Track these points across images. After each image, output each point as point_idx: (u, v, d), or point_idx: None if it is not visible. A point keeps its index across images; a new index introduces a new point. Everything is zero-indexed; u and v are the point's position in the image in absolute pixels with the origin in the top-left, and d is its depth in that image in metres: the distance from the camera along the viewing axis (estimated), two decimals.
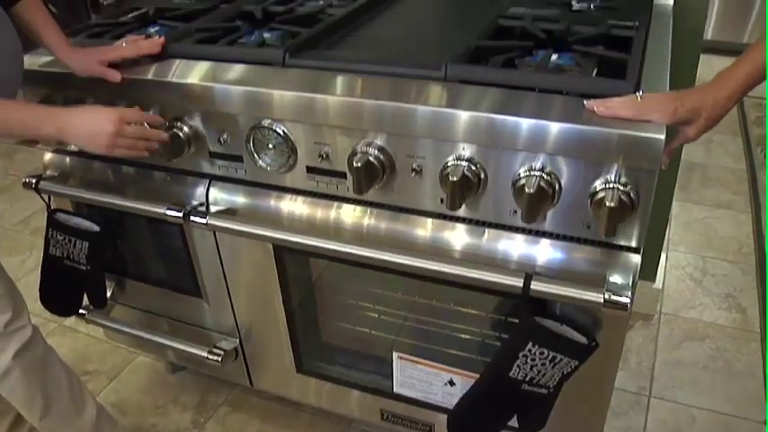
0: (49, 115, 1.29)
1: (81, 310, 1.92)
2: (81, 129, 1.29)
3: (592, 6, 1.63)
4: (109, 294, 1.90)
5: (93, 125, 1.29)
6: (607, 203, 1.12)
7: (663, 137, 1.07)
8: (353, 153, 1.27)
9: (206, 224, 1.46)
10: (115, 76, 1.46)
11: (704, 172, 3.30)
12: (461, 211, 1.28)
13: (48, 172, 1.76)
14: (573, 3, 1.65)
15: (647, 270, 2.28)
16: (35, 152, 1.66)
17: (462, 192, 1.20)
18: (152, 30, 1.70)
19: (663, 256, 2.37)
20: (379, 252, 1.31)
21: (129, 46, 1.51)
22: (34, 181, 1.71)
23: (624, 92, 1.16)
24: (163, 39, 1.50)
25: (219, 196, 1.51)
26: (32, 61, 1.56)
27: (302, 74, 1.35)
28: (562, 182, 1.18)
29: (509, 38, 1.48)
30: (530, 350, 1.25)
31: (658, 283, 2.35)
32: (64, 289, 1.83)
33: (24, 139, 1.29)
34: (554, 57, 1.35)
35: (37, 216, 3.19)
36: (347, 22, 1.61)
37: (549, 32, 1.43)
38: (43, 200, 1.76)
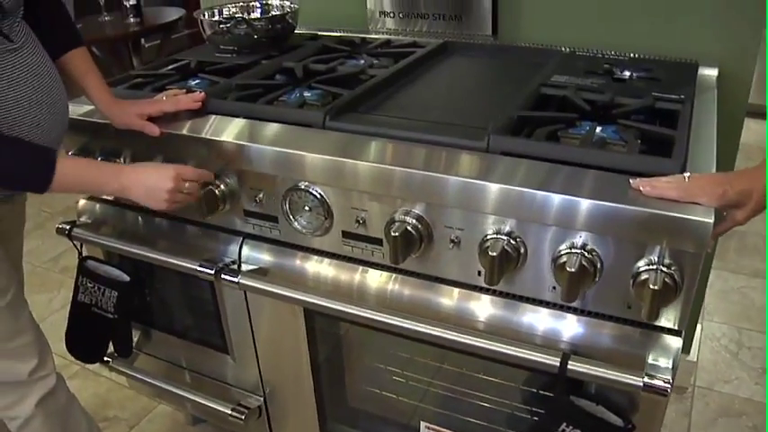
0: (113, 174, 1.31)
1: (105, 358, 1.91)
2: (141, 186, 1.31)
3: (634, 76, 1.61)
4: (134, 343, 1.89)
5: (152, 182, 1.31)
6: (651, 286, 1.08)
7: (711, 221, 1.04)
8: (391, 221, 1.25)
9: (238, 283, 1.44)
10: (153, 130, 1.46)
11: (742, 240, 3.24)
12: (499, 285, 1.25)
13: (81, 219, 1.76)
14: (615, 71, 1.63)
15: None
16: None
17: (501, 266, 1.18)
18: (192, 83, 1.71)
19: (698, 326, 2.32)
20: (415, 324, 1.28)
21: (169, 100, 1.51)
22: (68, 228, 1.72)
23: (671, 171, 1.13)
24: (203, 95, 1.50)
25: (252, 254, 1.50)
26: (73, 110, 1.57)
27: (342, 137, 1.34)
28: (604, 261, 1.14)
29: (552, 107, 1.46)
30: (563, 430, 1.21)
31: (693, 355, 2.29)
32: (90, 336, 1.82)
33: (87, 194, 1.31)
34: (598, 129, 1.33)
35: (67, 255, 3.20)
36: (388, 85, 1.60)
37: (592, 103, 1.41)
38: (76, 247, 1.76)
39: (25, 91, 1.27)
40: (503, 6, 1.97)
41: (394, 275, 1.37)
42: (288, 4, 2.02)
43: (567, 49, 1.82)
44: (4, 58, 1.27)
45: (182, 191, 1.32)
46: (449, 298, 1.32)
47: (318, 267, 1.44)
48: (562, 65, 1.67)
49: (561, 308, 1.25)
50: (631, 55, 1.75)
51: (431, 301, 1.33)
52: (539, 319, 1.25)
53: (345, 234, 1.35)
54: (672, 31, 1.76)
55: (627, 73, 1.62)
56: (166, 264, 1.56)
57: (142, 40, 4.20)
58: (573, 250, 1.14)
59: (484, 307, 1.30)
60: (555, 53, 1.80)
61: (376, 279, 1.38)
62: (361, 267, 1.40)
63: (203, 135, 1.43)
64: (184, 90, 1.59)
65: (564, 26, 1.91)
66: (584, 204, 1.10)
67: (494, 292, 1.29)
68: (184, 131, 1.45)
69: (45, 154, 1.25)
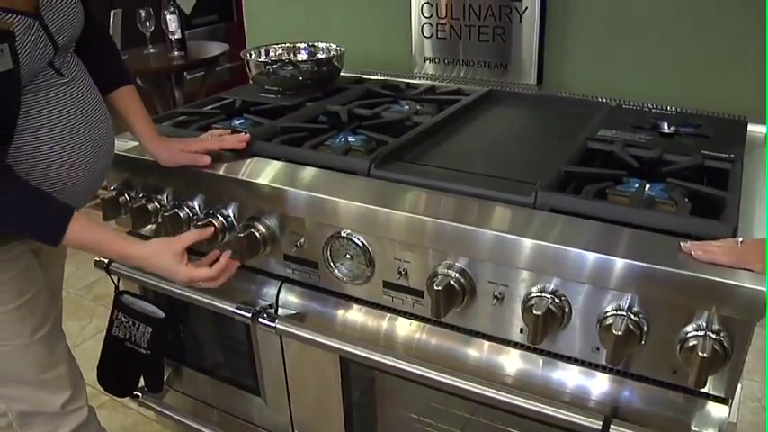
0: (119, 253, 1.33)
1: (136, 392, 1.90)
2: (152, 268, 1.34)
3: (682, 131, 1.59)
4: (165, 379, 1.88)
5: (165, 273, 1.33)
6: (699, 353, 1.05)
7: (764, 289, 1.01)
8: (434, 274, 1.24)
9: (274, 328, 1.43)
10: (205, 159, 1.48)
11: None
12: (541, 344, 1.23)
13: None
14: (663, 126, 1.61)
15: None
16: None
17: (545, 326, 1.15)
18: (237, 122, 1.72)
19: (738, 386, 2.26)
20: (456, 380, 1.25)
21: (213, 139, 1.52)
22: (106, 262, 1.72)
23: (722, 235, 1.10)
24: (248, 136, 1.51)
25: (289, 299, 1.49)
26: (118, 145, 1.57)
27: (386, 187, 1.34)
28: (651, 324, 1.12)
29: (598, 161, 1.44)
30: None
31: (732, 416, 2.23)
32: (122, 370, 1.82)
33: None
34: (647, 187, 1.31)
35: (101, 283, 3.22)
36: (432, 133, 1.60)
37: (639, 159, 1.39)
38: (113, 281, 1.76)
39: (74, 123, 1.29)
40: (548, 55, 1.97)
41: (434, 328, 1.35)
42: (334, 47, 2.03)
43: (614, 102, 1.80)
44: (56, 91, 1.29)
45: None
46: (489, 353, 1.30)
47: (356, 315, 1.42)
48: (608, 118, 1.65)
49: (604, 369, 1.22)
50: (678, 109, 1.73)
51: (471, 356, 1.31)
52: (581, 379, 1.23)
53: (386, 284, 1.34)
54: (720, 86, 1.75)
55: (674, 128, 1.60)
56: (203, 304, 1.56)
57: (185, 73, 4.25)
58: (619, 312, 1.12)
59: (524, 364, 1.27)
60: (601, 105, 1.78)
61: (415, 330, 1.37)
62: (400, 318, 1.38)
63: (245, 177, 1.43)
64: (229, 130, 1.60)
65: (609, 76, 1.90)
66: (633, 266, 1.07)
67: (535, 350, 1.27)
68: (227, 172, 1.46)
69: (61, 214, 1.26)
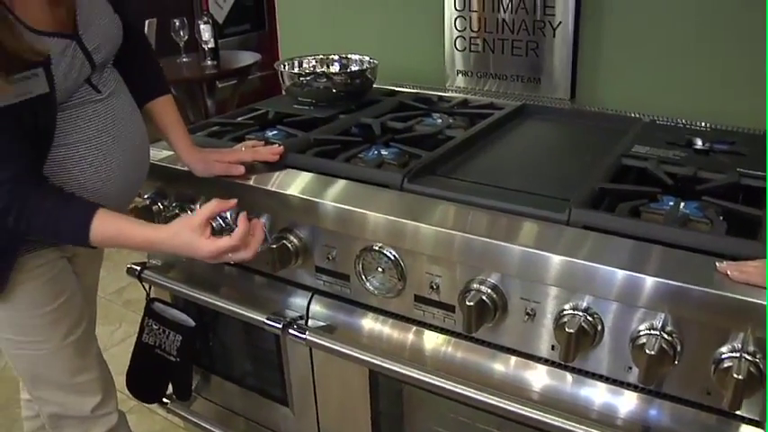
0: (148, 243, 1.30)
1: (164, 399, 1.91)
2: (175, 249, 1.29)
3: (717, 148, 1.57)
4: (193, 387, 1.89)
5: (188, 251, 1.27)
6: (734, 374, 1.04)
7: None
8: (466, 290, 1.23)
9: (305, 340, 1.43)
10: (239, 169, 1.49)
11: None
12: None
13: (151, 261, 1.78)
14: (697, 143, 1.60)
15: None
16: None
17: (577, 344, 1.14)
18: (270, 134, 1.73)
19: None
20: (485, 395, 1.24)
21: (248, 151, 1.53)
22: (138, 269, 1.74)
23: (758, 255, 1.09)
24: (282, 148, 1.52)
25: (320, 311, 1.50)
26: (152, 154, 1.59)
27: (419, 201, 1.34)
28: (685, 344, 1.11)
29: (632, 178, 1.43)
30: None
31: None
32: (151, 377, 1.83)
33: None
34: (681, 205, 1.30)
35: (131, 288, 3.25)
36: (465, 147, 1.60)
37: (673, 176, 1.38)
38: (144, 289, 1.78)
39: (109, 138, 1.31)
40: (581, 70, 1.96)
41: (463, 342, 1.35)
42: (367, 59, 2.04)
43: (647, 117, 1.79)
44: (92, 107, 1.32)
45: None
46: (517, 368, 1.29)
47: (387, 328, 1.42)
48: (642, 134, 1.64)
49: (635, 388, 1.21)
50: (713, 125, 1.72)
51: (498, 371, 1.31)
52: (609, 398, 1.22)
53: (418, 298, 1.34)
54: (755, 102, 1.73)
55: (709, 145, 1.59)
56: (233, 314, 1.57)
57: (216, 82, 4.29)
58: (652, 332, 1.11)
59: (552, 380, 1.26)
60: (634, 121, 1.77)
61: (444, 344, 1.36)
62: (430, 332, 1.38)
63: (278, 189, 1.44)
64: (263, 141, 1.61)
65: (643, 91, 1.89)
66: (665, 285, 1.06)
67: (564, 367, 1.26)
68: (260, 184, 1.47)
69: (84, 212, 1.26)
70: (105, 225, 1.26)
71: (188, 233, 1.25)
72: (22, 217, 1.23)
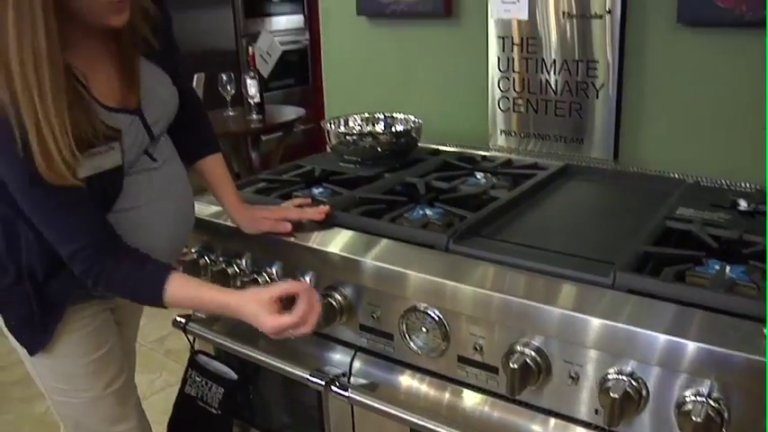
0: (219, 306, 1.35)
1: None
2: (245, 317, 1.33)
3: (762, 210, 1.57)
4: None
5: (253, 322, 1.32)
6: None
7: None
8: (510, 352, 1.24)
9: (347, 398, 1.44)
10: (286, 227, 1.52)
11: None
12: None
13: (196, 314, 1.80)
14: (742, 204, 1.60)
15: None
16: None
17: (622, 409, 1.14)
18: (316, 191, 1.76)
19: None
20: None
21: (294, 209, 1.56)
22: (183, 322, 1.76)
23: None
24: (327, 207, 1.54)
25: (363, 368, 1.50)
26: (199, 209, 1.63)
27: (464, 262, 1.35)
28: (732, 411, 1.09)
29: (677, 241, 1.43)
30: None
31: None
32: (192, 428, 1.85)
33: None
34: (727, 269, 1.29)
35: (172, 337, 3.28)
36: (510, 208, 1.61)
37: (718, 239, 1.38)
38: (188, 341, 1.80)
39: (161, 202, 1.36)
40: (624, 131, 1.97)
41: (505, 403, 1.34)
42: (412, 118, 2.07)
43: (691, 179, 1.79)
44: (147, 175, 1.37)
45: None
46: (556, 430, 1.28)
47: (429, 388, 1.42)
48: (686, 196, 1.64)
49: None
50: (758, 186, 1.71)
51: None
52: None
53: (461, 359, 1.34)
54: None
55: (754, 206, 1.58)
56: (276, 368, 1.58)
57: (261, 135, 4.37)
58: (699, 398, 1.10)
59: None
60: (678, 182, 1.77)
61: (486, 405, 1.36)
62: (472, 392, 1.38)
63: (323, 247, 1.47)
64: (309, 199, 1.64)
65: (686, 152, 1.89)
66: (711, 351, 1.06)
67: (603, 430, 1.24)
68: (306, 241, 1.50)
69: (159, 275, 1.31)
70: (180, 287, 1.31)
71: (255, 306, 1.29)
72: (100, 280, 1.30)
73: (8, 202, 1.29)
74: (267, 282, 1.58)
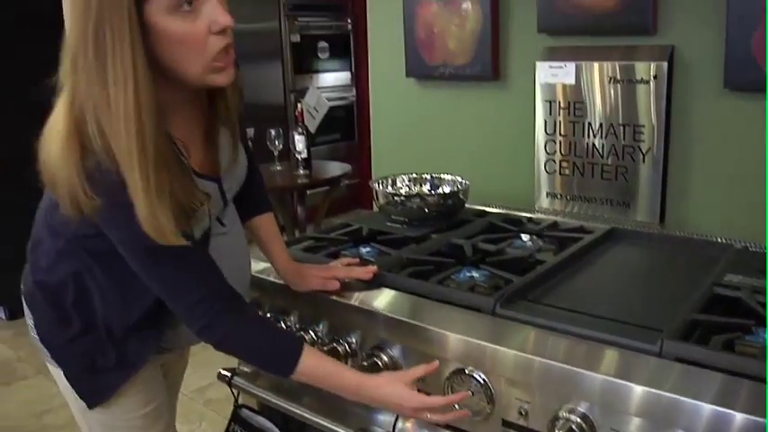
0: (354, 388, 1.35)
1: None
2: (383, 404, 1.37)
3: None
4: None
5: (393, 404, 1.33)
6: None
7: None
8: (555, 418, 1.23)
9: None
10: (334, 284, 1.55)
11: None
12: None
13: (241, 367, 1.83)
14: None
15: None
16: None
17: None
18: (364, 251, 1.79)
19: None
20: None
21: (342, 268, 1.59)
22: (229, 375, 1.78)
23: None
24: (375, 268, 1.57)
25: (407, 427, 1.50)
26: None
27: (509, 326, 1.36)
28: None
29: (725, 309, 1.42)
30: None
31: None
32: None
33: None
34: None
35: (213, 387, 3.30)
36: (556, 272, 1.61)
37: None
38: (233, 394, 1.82)
39: (225, 266, 1.38)
40: (671, 194, 1.97)
41: None
42: (459, 180, 2.10)
43: (739, 244, 1.78)
44: (215, 241, 1.41)
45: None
46: None
47: None
48: (734, 262, 1.63)
49: None
50: None
51: None
52: None
53: (506, 423, 1.34)
54: None
55: None
56: (320, 426, 1.58)
57: (307, 190, 4.43)
58: None
59: None
60: (726, 247, 1.76)
61: None
62: None
63: (370, 307, 1.49)
64: (357, 259, 1.67)
65: (733, 217, 1.88)
66: (758, 423, 1.04)
67: None
68: (353, 301, 1.52)
69: (292, 349, 1.33)
70: (315, 362, 1.33)
71: (400, 385, 1.31)
72: (226, 339, 1.32)
73: (81, 258, 1.33)
74: (314, 339, 1.60)
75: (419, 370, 1.34)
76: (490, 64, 2.23)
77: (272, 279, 1.66)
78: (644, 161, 1.97)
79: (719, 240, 1.82)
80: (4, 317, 4.44)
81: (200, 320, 1.29)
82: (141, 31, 1.15)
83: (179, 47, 1.19)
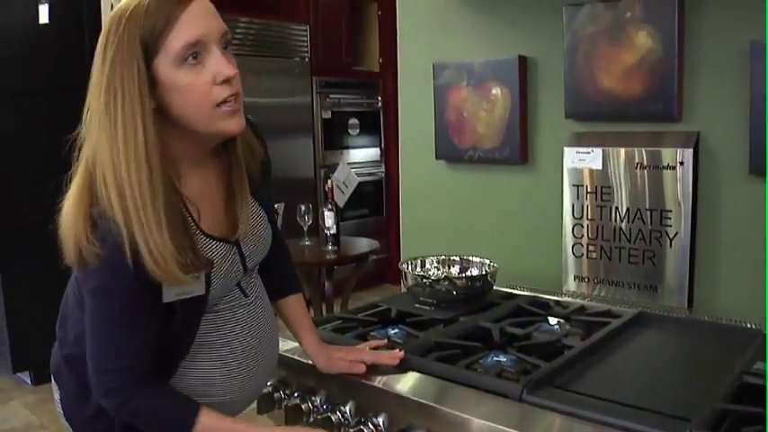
0: None
1: None
2: None
3: None
4: None
5: None
6: None
7: None
8: None
9: None
10: (360, 368, 1.56)
11: None
12: None
13: None
14: None
15: None
16: None
17: None
18: (392, 332, 1.80)
19: None
20: None
21: (370, 352, 1.60)
22: None
23: None
24: (402, 353, 1.58)
25: None
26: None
27: (536, 413, 1.36)
28: None
29: (754, 397, 1.41)
30: None
31: None
32: None
33: None
34: None
35: None
36: (583, 357, 1.61)
37: None
38: None
39: (249, 342, 1.40)
40: (699, 279, 1.98)
41: None
42: (488, 262, 2.12)
43: None
44: (239, 312, 1.43)
45: None
46: None
47: None
48: (764, 349, 1.62)
49: None
50: None
51: None
52: None
53: None
54: None
55: None
56: None
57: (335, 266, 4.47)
58: None
59: None
60: (755, 333, 1.75)
61: None
62: None
63: (396, 390, 1.50)
64: (385, 341, 1.68)
65: (763, 301, 1.87)
66: None
67: None
68: (380, 384, 1.53)
69: (189, 410, 1.32)
70: (213, 423, 1.31)
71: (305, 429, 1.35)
72: (127, 404, 1.30)
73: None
74: (340, 420, 1.60)
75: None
76: (518, 148, 2.28)
77: (298, 358, 1.68)
78: (671, 246, 1.98)
79: (749, 326, 1.82)
80: (29, 382, 4.46)
81: (110, 384, 1.29)
82: (150, 83, 1.22)
83: (186, 96, 1.26)
